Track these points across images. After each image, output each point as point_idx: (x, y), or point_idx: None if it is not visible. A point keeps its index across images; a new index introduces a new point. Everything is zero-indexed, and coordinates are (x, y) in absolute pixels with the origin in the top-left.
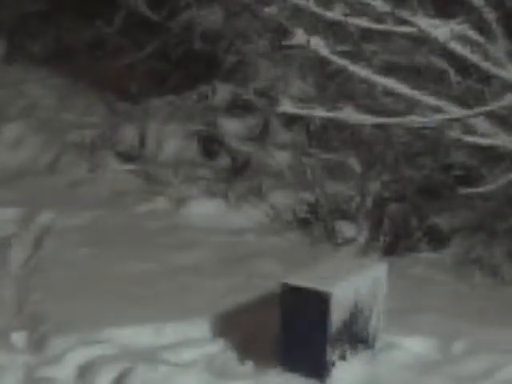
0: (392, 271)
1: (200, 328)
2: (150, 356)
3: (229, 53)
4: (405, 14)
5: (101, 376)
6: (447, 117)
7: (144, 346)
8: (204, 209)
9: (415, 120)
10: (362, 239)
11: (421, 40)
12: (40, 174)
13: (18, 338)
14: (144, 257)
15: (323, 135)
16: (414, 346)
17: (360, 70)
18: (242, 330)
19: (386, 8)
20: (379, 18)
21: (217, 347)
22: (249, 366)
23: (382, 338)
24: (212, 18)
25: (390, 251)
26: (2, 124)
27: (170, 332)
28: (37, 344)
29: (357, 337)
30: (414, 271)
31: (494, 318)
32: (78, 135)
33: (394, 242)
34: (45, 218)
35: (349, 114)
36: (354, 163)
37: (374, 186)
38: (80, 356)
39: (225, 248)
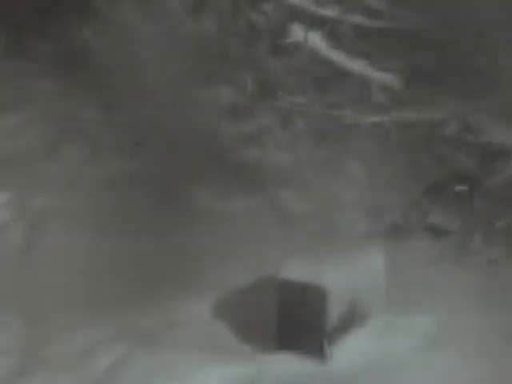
0: (392, 258)
1: (201, 310)
2: (150, 337)
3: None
4: (400, 10)
5: (101, 356)
6: (445, 114)
7: (144, 328)
8: (203, 193)
9: (411, 116)
10: (360, 230)
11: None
12: (38, 161)
13: (17, 318)
14: (143, 240)
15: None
16: (416, 325)
17: (356, 67)
18: (242, 312)
19: (382, 5)
20: (375, 15)
21: (217, 330)
22: (249, 348)
23: (383, 318)
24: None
25: (389, 241)
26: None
27: (171, 314)
28: (36, 324)
29: (357, 322)
30: (414, 259)
31: (493, 302)
32: (77, 124)
33: (393, 233)
34: (42, 201)
35: (345, 112)
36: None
37: (373, 182)
38: (80, 337)
39: (224, 230)
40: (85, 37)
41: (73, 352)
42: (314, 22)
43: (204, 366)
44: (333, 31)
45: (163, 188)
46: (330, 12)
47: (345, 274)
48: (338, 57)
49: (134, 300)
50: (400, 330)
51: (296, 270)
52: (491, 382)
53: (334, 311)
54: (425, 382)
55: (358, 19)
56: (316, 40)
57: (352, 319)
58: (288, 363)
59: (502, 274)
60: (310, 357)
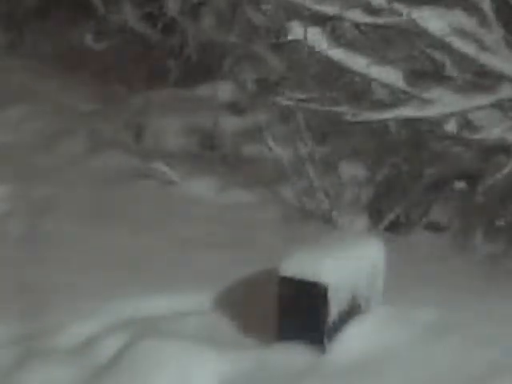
0: (391, 250)
1: (201, 301)
2: (152, 328)
3: (225, 58)
4: (400, 6)
5: (102, 348)
6: (446, 110)
7: (146, 319)
8: (203, 186)
9: (412, 114)
10: (360, 224)
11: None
12: (37, 154)
13: (17, 309)
14: (143, 231)
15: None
16: (415, 319)
17: (357, 64)
18: (243, 303)
19: (381, 1)
20: (374, 11)
21: (218, 320)
22: (250, 339)
23: (383, 310)
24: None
25: (389, 233)
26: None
27: (171, 304)
28: (36, 316)
29: (356, 315)
30: (414, 255)
31: (494, 294)
32: (77, 119)
33: (393, 227)
34: (42, 193)
35: (345, 109)
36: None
37: (373, 179)
38: (81, 328)
39: (224, 222)
40: (85, 37)
41: (73, 344)
42: (315, 20)
43: (203, 358)
44: (333, 28)
45: None
46: (330, 9)
47: (345, 268)
48: (338, 54)
49: (136, 291)
50: (399, 324)
51: (297, 265)
52: (491, 374)
53: (334, 304)
54: (424, 374)
55: (359, 16)
56: (316, 37)
57: (352, 312)
58: (288, 355)
59: (502, 271)
60: (310, 349)
